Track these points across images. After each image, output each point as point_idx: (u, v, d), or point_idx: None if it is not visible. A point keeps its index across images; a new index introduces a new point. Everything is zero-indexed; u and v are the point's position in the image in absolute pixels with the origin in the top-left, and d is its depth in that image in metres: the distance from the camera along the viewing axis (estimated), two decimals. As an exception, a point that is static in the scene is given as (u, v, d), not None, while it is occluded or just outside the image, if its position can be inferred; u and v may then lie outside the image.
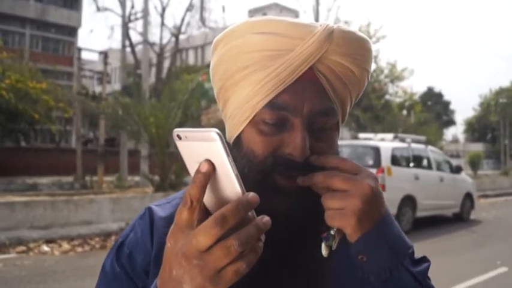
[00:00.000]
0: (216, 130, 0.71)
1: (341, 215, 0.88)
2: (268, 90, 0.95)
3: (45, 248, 10.28)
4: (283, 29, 0.95)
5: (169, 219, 0.99)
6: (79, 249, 10.51)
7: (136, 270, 1.02)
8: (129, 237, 1.08)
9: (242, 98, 0.98)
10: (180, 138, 0.75)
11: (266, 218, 0.71)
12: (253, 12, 67.72)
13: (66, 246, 10.56)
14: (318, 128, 0.98)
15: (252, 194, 0.70)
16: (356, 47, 0.99)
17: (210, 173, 0.71)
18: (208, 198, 0.75)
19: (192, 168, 0.74)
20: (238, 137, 1.01)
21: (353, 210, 0.87)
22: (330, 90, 0.98)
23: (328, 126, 1.00)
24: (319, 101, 0.97)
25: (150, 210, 1.10)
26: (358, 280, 0.98)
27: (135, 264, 1.03)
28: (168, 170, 16.46)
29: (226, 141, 0.75)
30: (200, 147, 0.72)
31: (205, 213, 0.75)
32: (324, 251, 0.96)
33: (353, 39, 0.98)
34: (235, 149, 1.00)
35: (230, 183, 0.72)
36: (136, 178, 22.56)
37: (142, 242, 1.05)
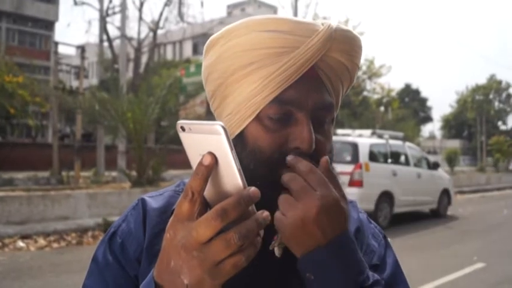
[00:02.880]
0: (221, 123, 0.72)
1: (280, 221, 0.86)
2: (275, 86, 0.97)
3: (20, 243, 10.16)
4: (288, 27, 0.98)
5: (162, 210, 1.07)
6: (55, 245, 10.42)
7: (129, 259, 1.04)
8: (121, 227, 1.09)
9: (247, 94, 0.99)
10: (183, 130, 0.76)
11: (266, 213, 0.72)
12: (232, 7, 67.70)
13: (42, 242, 10.47)
14: (318, 122, 1.01)
15: (253, 189, 0.71)
16: (352, 45, 1.03)
17: (213, 166, 0.73)
18: (209, 191, 0.75)
19: (194, 161, 0.75)
20: (241, 134, 1.01)
21: (289, 223, 0.85)
22: (329, 86, 1.03)
23: (327, 120, 1.03)
24: (321, 96, 1.01)
25: (143, 201, 1.12)
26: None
27: (127, 254, 1.04)
28: (146, 165, 16.41)
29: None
30: (204, 139, 0.73)
31: (205, 206, 0.75)
32: (276, 252, 0.95)
33: (350, 38, 1.03)
34: (239, 145, 0.99)
35: (232, 177, 0.73)
36: (114, 173, 22.43)
37: (135, 232, 1.06)
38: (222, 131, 0.71)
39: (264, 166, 0.96)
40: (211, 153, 0.72)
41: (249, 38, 0.99)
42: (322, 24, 1.00)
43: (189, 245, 0.71)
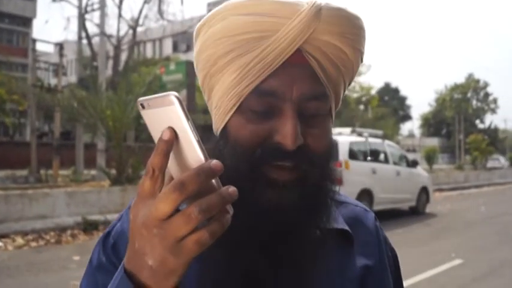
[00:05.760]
0: (175, 93, 0.67)
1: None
2: (254, 76, 0.89)
3: (-2, 243, 10.08)
4: (267, 8, 0.89)
5: None
6: (33, 244, 10.34)
7: (120, 260, 0.95)
8: (116, 227, 1.05)
9: (227, 85, 0.92)
10: (143, 107, 0.71)
11: (232, 189, 0.66)
12: (212, 5, 67.41)
13: (20, 241, 10.37)
14: (309, 114, 0.91)
15: (215, 161, 0.65)
16: (347, 26, 0.92)
17: (172, 140, 0.67)
18: (173, 169, 0.71)
19: (156, 138, 0.70)
20: (225, 128, 0.95)
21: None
22: (321, 74, 0.91)
23: (321, 112, 0.93)
24: (309, 85, 0.90)
25: None
26: (349, 281, 1.02)
27: (119, 254, 0.99)
28: (125, 163, 16.34)
29: (185, 105, 0.69)
30: (162, 113, 0.69)
31: None
32: None
33: (344, 17, 0.92)
34: (222, 140, 0.94)
35: (192, 150, 0.68)
36: (93, 172, 22.32)
37: (127, 232, 1.02)
38: (175, 100, 0.66)
39: (244, 162, 0.88)
40: (170, 128, 0.67)
41: (228, 23, 0.91)
42: (307, 3, 0.89)
43: (149, 222, 0.66)
